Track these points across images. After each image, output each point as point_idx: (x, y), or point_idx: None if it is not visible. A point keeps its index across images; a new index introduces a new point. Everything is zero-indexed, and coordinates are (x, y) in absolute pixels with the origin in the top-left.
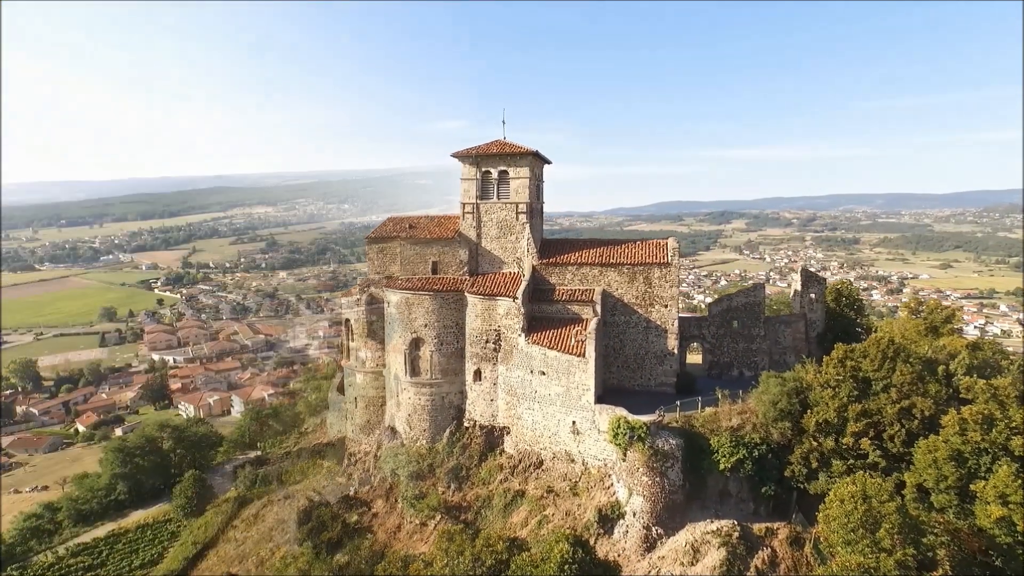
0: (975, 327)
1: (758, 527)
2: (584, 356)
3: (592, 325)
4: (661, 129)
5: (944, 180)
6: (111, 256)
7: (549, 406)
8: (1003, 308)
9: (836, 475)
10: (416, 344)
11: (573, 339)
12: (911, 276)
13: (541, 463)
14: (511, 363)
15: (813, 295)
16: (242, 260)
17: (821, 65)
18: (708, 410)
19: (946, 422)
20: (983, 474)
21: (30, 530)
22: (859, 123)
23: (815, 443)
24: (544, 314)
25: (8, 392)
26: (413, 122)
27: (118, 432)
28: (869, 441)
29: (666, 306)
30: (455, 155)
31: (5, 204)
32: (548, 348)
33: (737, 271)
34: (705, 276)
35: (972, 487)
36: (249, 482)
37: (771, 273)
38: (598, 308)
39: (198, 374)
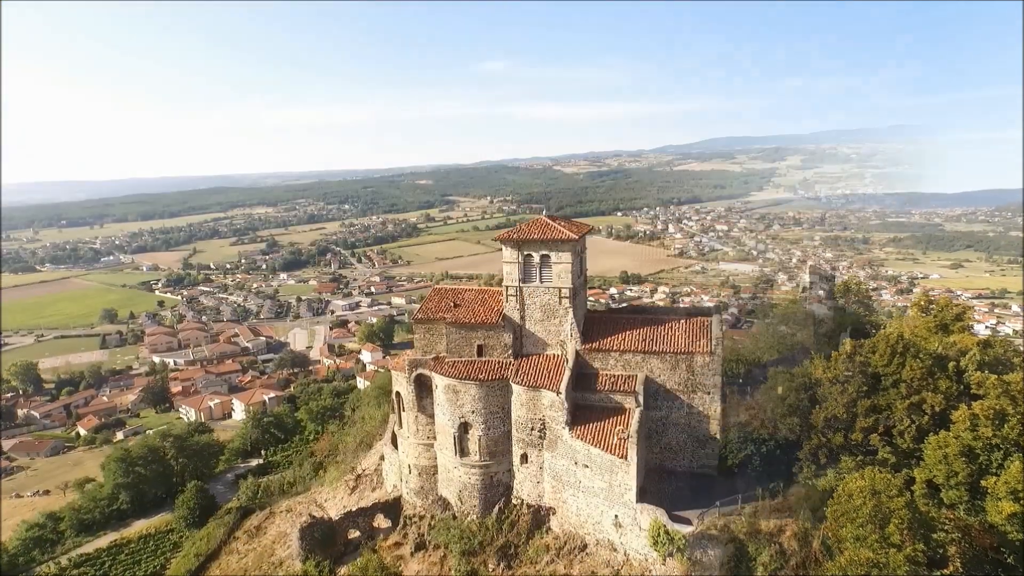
0: (987, 327)
1: (766, 524)
2: (626, 459)
3: (634, 425)
4: (710, 59)
5: (954, 179)
6: (112, 257)
7: (593, 497)
8: (1015, 308)
9: (845, 471)
10: (464, 427)
11: (616, 437)
12: (921, 276)
13: (585, 547)
14: (556, 451)
15: (822, 291)
16: (243, 261)
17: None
18: (748, 509)
19: (956, 418)
20: (994, 470)
21: (32, 540)
22: (868, 122)
23: (824, 439)
24: (587, 402)
25: (9, 395)
26: (452, 63)
27: (119, 436)
28: (878, 437)
29: (708, 393)
30: (497, 239)
31: (5, 204)
32: (591, 445)
33: (792, 213)
34: (758, 220)
35: (983, 483)
36: (251, 493)
37: (827, 215)
38: (640, 399)
39: (199, 377)
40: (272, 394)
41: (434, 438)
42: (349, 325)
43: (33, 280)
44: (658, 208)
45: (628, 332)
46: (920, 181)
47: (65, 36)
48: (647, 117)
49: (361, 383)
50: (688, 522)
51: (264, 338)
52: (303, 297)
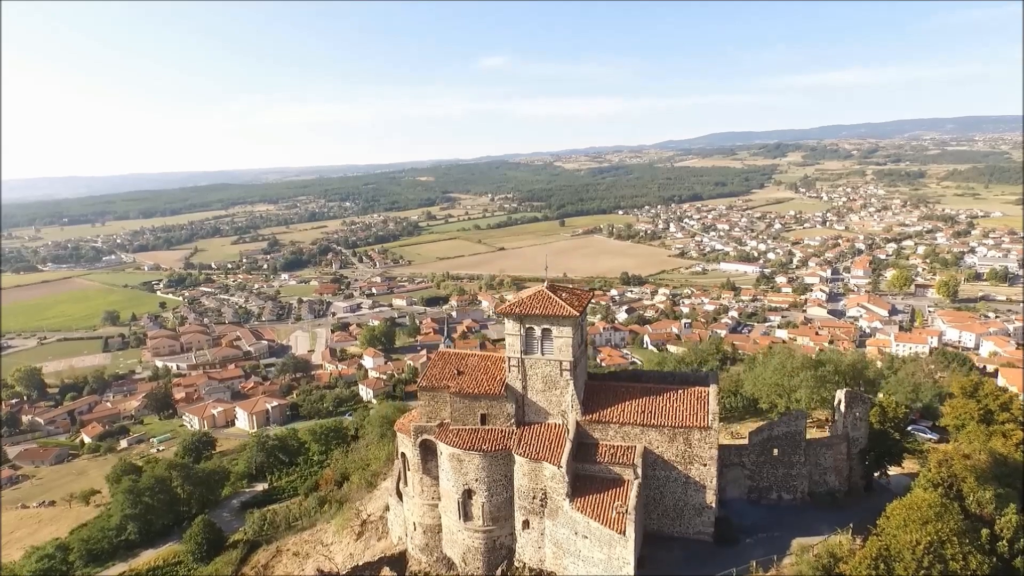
0: None
1: None
2: (624, 534)
3: (632, 501)
4: (712, 56)
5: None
6: (113, 256)
7: (593, 567)
8: None
9: None
10: (468, 494)
11: (614, 512)
12: (982, 214)
13: None
14: (557, 520)
15: (857, 413)
16: (244, 260)
17: None
18: None
19: None
20: None
21: (43, 571)
22: (925, 39)
23: None
24: (587, 472)
25: (14, 401)
26: (452, 60)
27: (123, 444)
28: None
29: (705, 465)
30: (499, 311)
31: (6, 201)
32: (590, 518)
33: (792, 212)
34: (759, 218)
35: None
36: (257, 527)
37: (827, 213)
38: (639, 471)
39: (201, 383)
40: (275, 402)
41: (439, 499)
42: (351, 328)
43: (35, 280)
44: (659, 206)
45: (627, 403)
46: (983, 102)
47: (65, 34)
48: (649, 112)
49: (363, 391)
50: None
51: (266, 341)
52: (304, 298)
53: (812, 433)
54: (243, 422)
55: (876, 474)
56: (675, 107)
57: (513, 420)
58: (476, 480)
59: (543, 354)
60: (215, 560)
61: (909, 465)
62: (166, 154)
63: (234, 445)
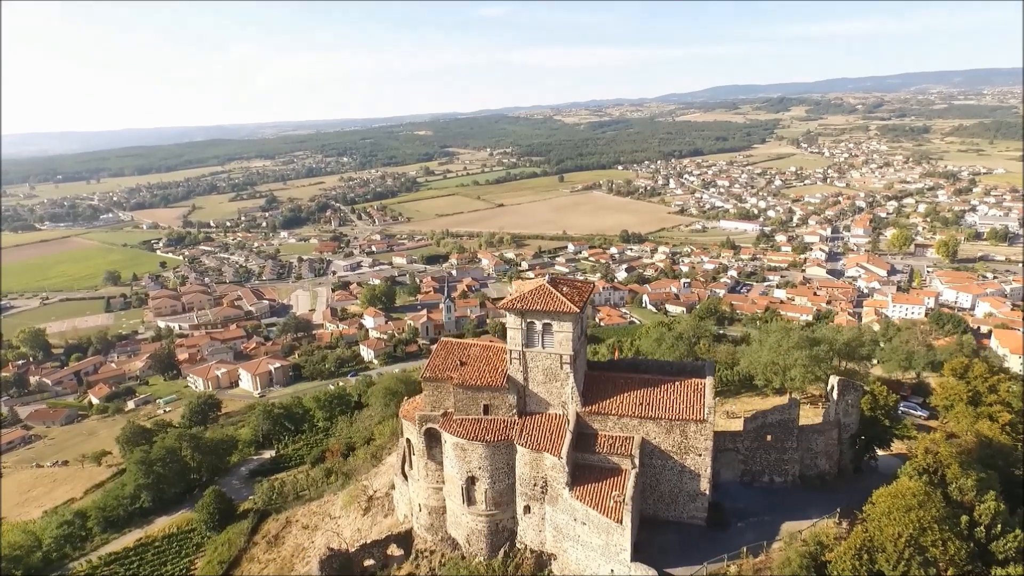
0: None
1: None
2: (621, 523)
3: (629, 491)
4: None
5: None
6: (111, 215)
7: (591, 551)
8: None
9: None
10: (471, 480)
11: (612, 501)
12: (985, 171)
13: None
14: (557, 507)
15: (849, 400)
16: (243, 218)
17: None
18: (732, 568)
19: None
20: None
21: (64, 537)
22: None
23: None
24: (587, 462)
25: (20, 362)
26: (450, 8)
27: (130, 405)
28: None
29: (700, 455)
30: (501, 307)
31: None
32: (589, 507)
33: (793, 168)
34: (759, 175)
35: None
36: (267, 496)
37: (828, 170)
38: (636, 461)
39: (204, 343)
40: (277, 364)
41: (443, 483)
42: (351, 287)
43: (33, 239)
44: (659, 161)
45: (626, 394)
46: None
47: None
48: (650, 63)
49: (364, 351)
50: None
51: (267, 301)
52: (304, 257)
53: (805, 410)
54: (247, 383)
55: (865, 457)
56: (677, 59)
57: (515, 410)
58: (479, 468)
59: (544, 347)
60: (227, 529)
61: (898, 446)
62: (160, 109)
63: (239, 407)
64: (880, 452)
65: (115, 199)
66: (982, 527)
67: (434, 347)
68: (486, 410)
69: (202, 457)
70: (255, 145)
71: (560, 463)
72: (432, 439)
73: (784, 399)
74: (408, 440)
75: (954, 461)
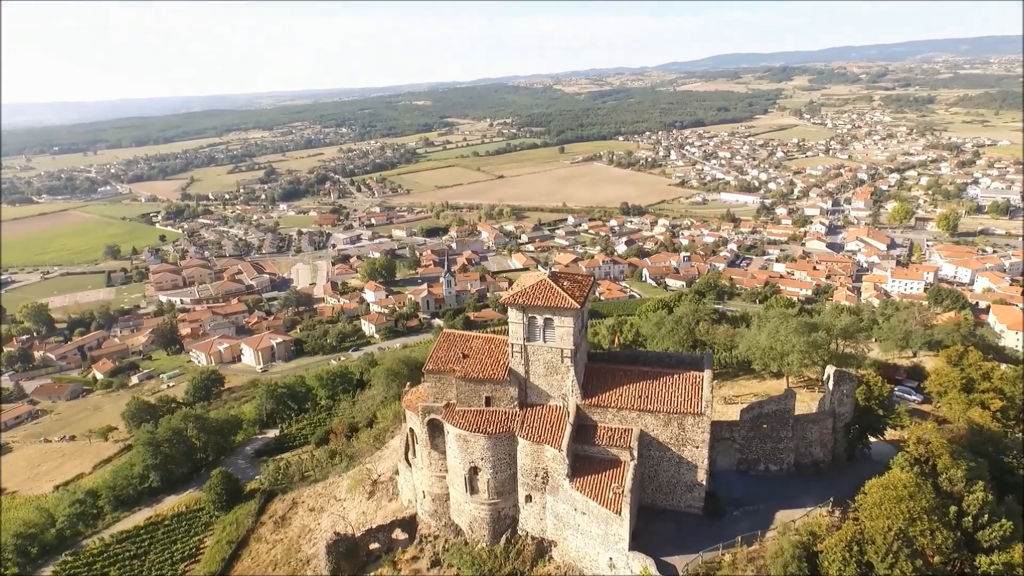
0: None
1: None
2: (620, 514)
3: (627, 483)
4: None
5: None
6: (108, 187)
7: (590, 539)
8: None
9: None
10: (474, 470)
11: (611, 493)
12: (989, 143)
13: None
14: (557, 497)
15: (844, 391)
16: (241, 190)
17: None
18: (727, 557)
19: None
20: None
21: (76, 515)
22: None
23: None
24: (586, 453)
25: (24, 337)
26: None
27: (134, 380)
28: None
29: (697, 447)
30: (503, 301)
31: None
32: (589, 498)
33: (795, 139)
34: (761, 146)
35: None
36: (273, 477)
37: (831, 142)
38: (635, 452)
39: (206, 318)
40: (279, 339)
41: (446, 471)
42: (351, 260)
43: (32, 212)
44: (660, 132)
45: (625, 387)
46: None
47: None
48: (653, 31)
49: (366, 325)
50: (674, 570)
51: (268, 275)
52: (304, 230)
53: (801, 394)
54: (249, 358)
55: (859, 445)
56: (679, 27)
57: (516, 402)
58: (482, 459)
59: (545, 341)
60: (235, 509)
61: (891, 433)
62: (156, 79)
63: (242, 382)
64: (873, 439)
65: (113, 171)
66: (970, 517)
67: (437, 339)
68: (488, 402)
69: (208, 437)
70: (252, 116)
71: (560, 455)
72: (435, 429)
73: (781, 382)
74: (411, 430)
75: (945, 451)
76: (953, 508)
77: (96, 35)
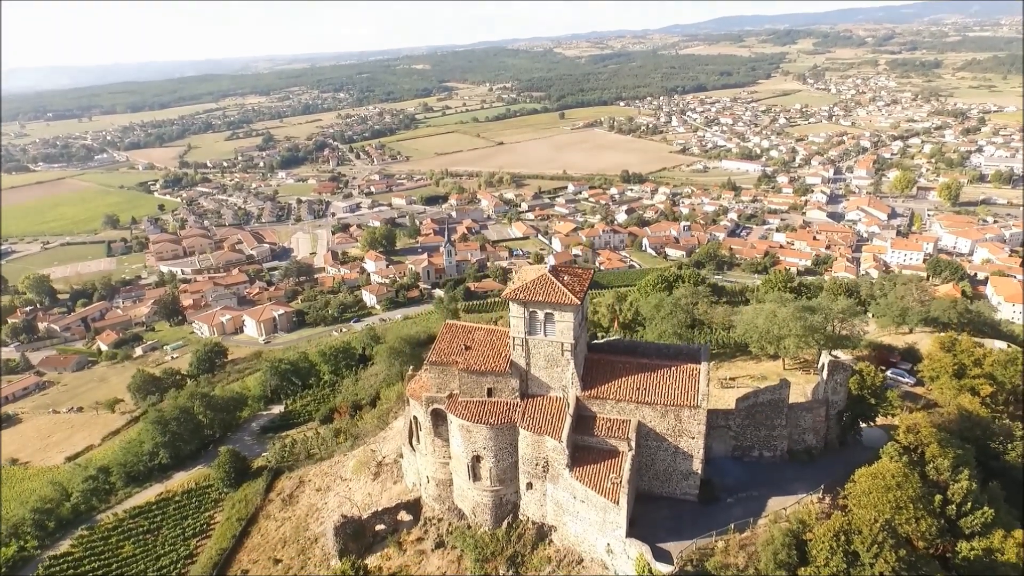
0: None
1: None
2: (617, 504)
3: (625, 474)
4: None
5: None
6: (105, 154)
7: (589, 526)
8: None
9: None
10: (477, 459)
11: (609, 483)
12: (995, 109)
13: (581, 560)
14: (557, 485)
15: (838, 379)
16: (239, 158)
17: None
18: (720, 544)
19: None
20: None
21: (90, 491)
22: None
23: None
24: (585, 443)
25: (28, 308)
26: None
27: (138, 351)
28: None
29: (693, 438)
30: (506, 297)
31: None
32: (588, 487)
33: (798, 105)
34: (763, 112)
35: None
36: (279, 455)
37: (834, 108)
38: (632, 443)
39: (207, 289)
40: (281, 310)
41: (449, 458)
42: (351, 229)
43: (29, 181)
44: (662, 97)
45: (624, 379)
46: None
47: None
48: None
49: (367, 296)
50: (669, 556)
51: (268, 245)
52: (303, 198)
53: (796, 376)
54: (251, 330)
55: (851, 432)
56: None
57: (518, 393)
58: (484, 448)
59: (546, 335)
60: (243, 486)
61: (882, 419)
62: (149, 42)
63: (245, 354)
64: (864, 425)
65: (109, 138)
66: (953, 505)
67: (440, 331)
68: (490, 393)
69: (214, 414)
70: (249, 80)
71: (560, 446)
72: (438, 417)
73: (778, 364)
74: (415, 418)
75: (934, 439)
76: (938, 497)
77: None
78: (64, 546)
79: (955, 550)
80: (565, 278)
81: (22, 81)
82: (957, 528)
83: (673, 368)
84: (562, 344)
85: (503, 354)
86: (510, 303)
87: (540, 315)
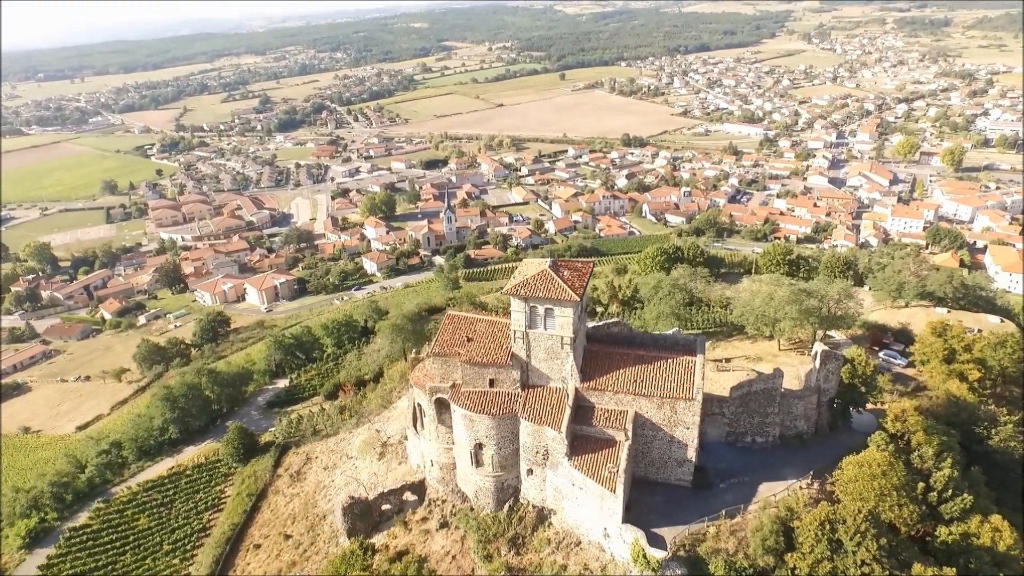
0: None
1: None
2: (614, 492)
3: (622, 464)
4: None
5: None
6: (100, 117)
7: (587, 511)
8: None
9: None
10: (479, 446)
11: (607, 472)
12: (1004, 70)
13: (579, 543)
14: (557, 472)
15: (830, 368)
16: (236, 121)
17: None
18: (712, 529)
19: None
20: None
21: (104, 465)
22: None
23: None
24: (584, 433)
25: (31, 276)
26: None
27: (142, 320)
28: None
29: (688, 428)
30: (506, 292)
31: None
32: (586, 476)
33: (802, 67)
34: (767, 73)
35: None
36: (286, 431)
37: (839, 69)
38: (629, 433)
39: (208, 256)
40: (282, 278)
41: (453, 444)
42: (350, 194)
43: (24, 145)
44: (664, 58)
45: (621, 371)
46: None
47: None
48: None
49: (367, 263)
50: (663, 541)
51: (267, 210)
52: (302, 163)
53: (790, 356)
54: (253, 298)
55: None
56: None
57: (518, 384)
58: (486, 436)
59: (546, 329)
60: (252, 461)
61: (871, 404)
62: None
63: (248, 322)
64: (854, 411)
65: (103, 100)
66: (935, 492)
67: (442, 322)
68: (492, 383)
69: (221, 390)
70: (244, 40)
71: (560, 436)
72: (442, 405)
73: (773, 344)
74: (419, 405)
75: (920, 428)
76: (921, 485)
77: None
78: (82, 518)
79: (935, 534)
80: (565, 274)
81: (8, 38)
82: (938, 513)
83: (670, 360)
84: (562, 338)
85: (504, 346)
86: (512, 299)
87: (540, 310)
